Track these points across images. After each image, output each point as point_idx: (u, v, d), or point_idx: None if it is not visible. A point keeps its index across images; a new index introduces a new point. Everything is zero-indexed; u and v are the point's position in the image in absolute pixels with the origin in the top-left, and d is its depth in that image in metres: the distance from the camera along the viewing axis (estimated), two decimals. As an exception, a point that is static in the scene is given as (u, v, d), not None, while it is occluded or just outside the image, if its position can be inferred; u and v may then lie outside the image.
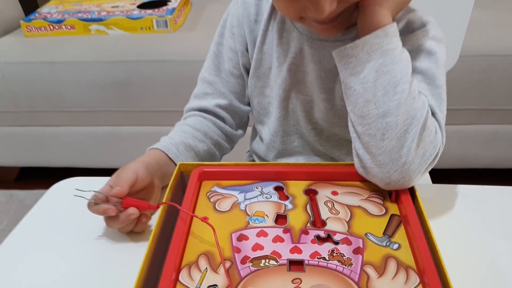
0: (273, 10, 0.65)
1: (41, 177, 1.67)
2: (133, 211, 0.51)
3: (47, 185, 1.85)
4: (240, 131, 0.74)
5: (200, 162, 0.58)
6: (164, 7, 1.52)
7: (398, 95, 0.51)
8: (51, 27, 1.50)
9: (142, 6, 1.55)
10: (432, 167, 0.53)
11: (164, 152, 0.62)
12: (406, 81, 0.51)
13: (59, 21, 1.49)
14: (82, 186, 0.54)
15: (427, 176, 0.83)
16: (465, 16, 0.88)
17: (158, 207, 0.52)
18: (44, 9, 1.59)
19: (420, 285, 0.42)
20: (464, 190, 0.60)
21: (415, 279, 0.43)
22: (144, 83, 1.40)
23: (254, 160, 0.79)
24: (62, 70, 1.42)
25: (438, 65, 0.57)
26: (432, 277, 0.41)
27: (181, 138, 0.65)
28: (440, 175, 0.84)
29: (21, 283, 0.50)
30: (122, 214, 0.51)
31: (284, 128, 0.69)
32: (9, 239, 0.56)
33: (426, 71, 0.56)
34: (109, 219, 0.52)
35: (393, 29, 0.52)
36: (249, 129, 0.79)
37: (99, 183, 0.56)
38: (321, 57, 0.62)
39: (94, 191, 0.52)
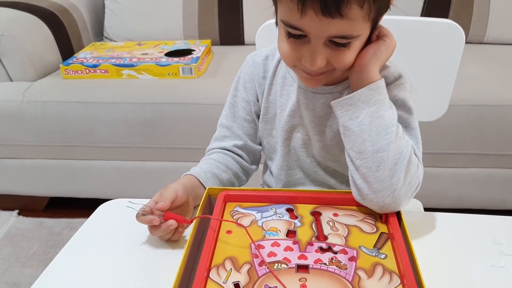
0: (276, 68, 0.78)
1: (68, 207, 1.74)
2: (172, 222, 0.62)
3: (74, 215, 1.94)
4: (254, 166, 0.86)
5: (225, 187, 0.70)
6: (189, 56, 1.64)
7: (388, 135, 0.62)
8: (87, 71, 1.62)
9: (169, 54, 1.67)
10: (415, 194, 0.64)
11: (196, 177, 0.73)
12: (394, 124, 0.63)
13: (94, 66, 1.61)
14: (124, 207, 0.65)
15: (420, 206, 0.94)
16: (453, 69, 0.93)
17: (192, 221, 0.63)
18: (80, 55, 1.72)
19: (400, 285, 0.53)
20: (445, 217, 0.70)
21: (397, 280, 0.53)
22: (169, 123, 1.50)
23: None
24: (95, 110, 1.51)
25: (411, 112, 0.68)
26: (410, 279, 0.52)
27: (208, 168, 0.76)
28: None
29: (80, 283, 0.60)
30: (164, 224, 0.62)
31: (288, 163, 0.81)
32: (65, 250, 0.65)
33: (401, 117, 0.67)
34: (152, 228, 0.63)
35: (382, 83, 0.65)
36: (261, 166, 0.89)
37: (137, 204, 0.65)
38: (314, 106, 0.74)
39: (143, 204, 0.64)
